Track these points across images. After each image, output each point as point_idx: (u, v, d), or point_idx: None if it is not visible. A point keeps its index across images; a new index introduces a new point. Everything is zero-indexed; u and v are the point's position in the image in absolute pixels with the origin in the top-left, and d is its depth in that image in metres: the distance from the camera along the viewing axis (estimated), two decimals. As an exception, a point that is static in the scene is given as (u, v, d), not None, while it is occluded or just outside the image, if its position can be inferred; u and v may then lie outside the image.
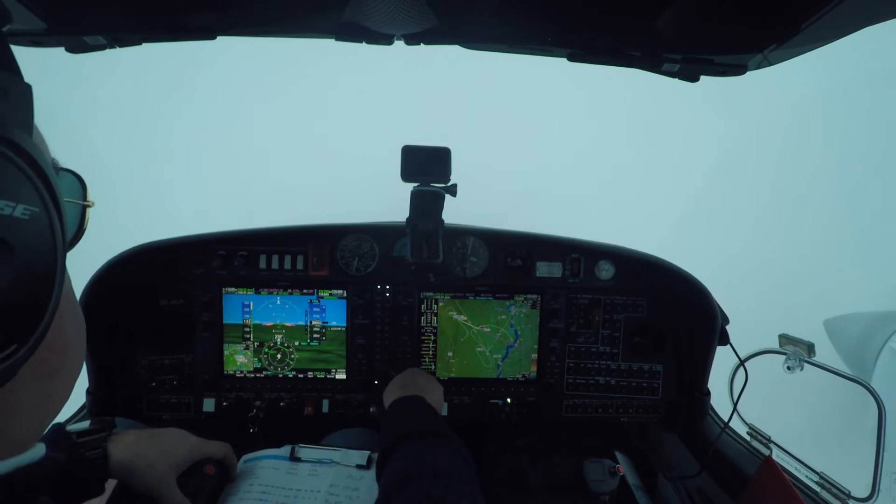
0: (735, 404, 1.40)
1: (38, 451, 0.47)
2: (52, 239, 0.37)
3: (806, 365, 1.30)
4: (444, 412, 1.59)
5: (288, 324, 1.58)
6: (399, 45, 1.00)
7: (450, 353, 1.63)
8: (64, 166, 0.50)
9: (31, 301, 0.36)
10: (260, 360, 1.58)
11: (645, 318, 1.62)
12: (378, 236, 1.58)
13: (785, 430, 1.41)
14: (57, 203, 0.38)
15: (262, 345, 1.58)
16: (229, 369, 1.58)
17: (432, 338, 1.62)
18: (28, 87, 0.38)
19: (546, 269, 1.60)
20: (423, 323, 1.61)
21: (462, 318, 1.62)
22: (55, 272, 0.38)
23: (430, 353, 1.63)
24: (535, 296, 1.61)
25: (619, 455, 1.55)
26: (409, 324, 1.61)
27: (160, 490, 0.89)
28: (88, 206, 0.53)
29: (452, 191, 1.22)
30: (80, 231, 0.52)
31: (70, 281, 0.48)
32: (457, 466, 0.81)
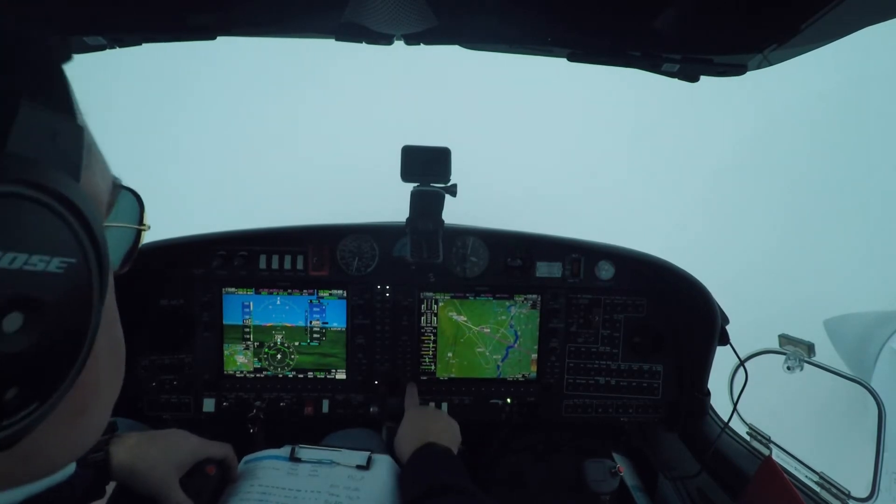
0: (735, 404, 1.40)
1: (69, 469, 0.45)
2: (89, 290, 0.35)
3: (806, 365, 1.30)
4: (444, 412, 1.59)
5: (288, 324, 1.58)
6: (399, 45, 1.00)
7: (450, 354, 1.63)
8: (127, 185, 0.47)
9: (57, 357, 0.34)
10: (260, 360, 1.58)
11: (645, 318, 1.62)
12: (378, 236, 1.58)
13: (785, 430, 1.41)
14: (98, 251, 0.35)
15: (262, 345, 1.58)
16: (229, 369, 1.58)
17: (432, 338, 1.62)
18: (80, 130, 0.36)
19: (546, 269, 1.60)
20: (423, 323, 1.61)
21: (462, 318, 1.62)
22: (89, 326, 0.35)
23: (430, 353, 1.63)
24: (535, 296, 1.61)
25: (617, 456, 1.55)
26: (409, 324, 1.60)
27: (162, 491, 0.89)
28: (143, 230, 0.51)
29: (452, 191, 1.22)
30: (130, 254, 0.49)
31: (114, 309, 0.44)
32: None
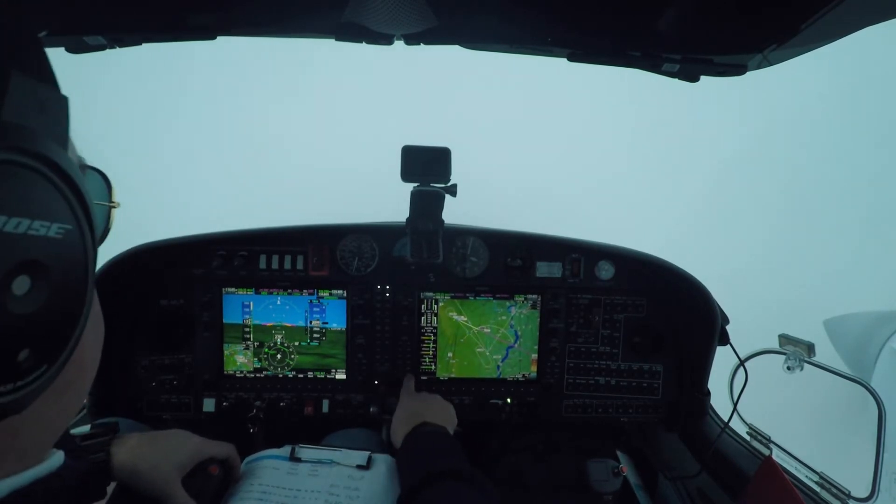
0: (735, 404, 1.40)
1: (57, 460, 0.46)
2: (85, 256, 0.37)
3: (806, 365, 1.30)
4: None
5: (288, 324, 1.58)
6: (399, 45, 1.00)
7: (450, 354, 1.63)
8: (91, 164, 0.49)
9: (62, 321, 0.35)
10: (260, 360, 1.58)
11: (645, 318, 1.62)
12: (378, 236, 1.58)
13: (785, 429, 1.41)
14: (90, 218, 0.37)
15: (262, 345, 1.58)
16: (229, 369, 1.58)
17: (432, 338, 1.62)
18: (65, 100, 0.37)
19: (546, 270, 1.60)
20: (423, 323, 1.61)
21: (462, 318, 1.62)
22: (87, 289, 0.37)
23: (430, 353, 1.63)
24: (535, 296, 1.61)
25: (620, 455, 1.55)
26: (409, 324, 1.61)
27: (165, 491, 0.89)
28: (114, 206, 0.52)
29: (452, 191, 1.22)
30: (105, 232, 0.51)
31: (94, 289, 0.47)
32: None
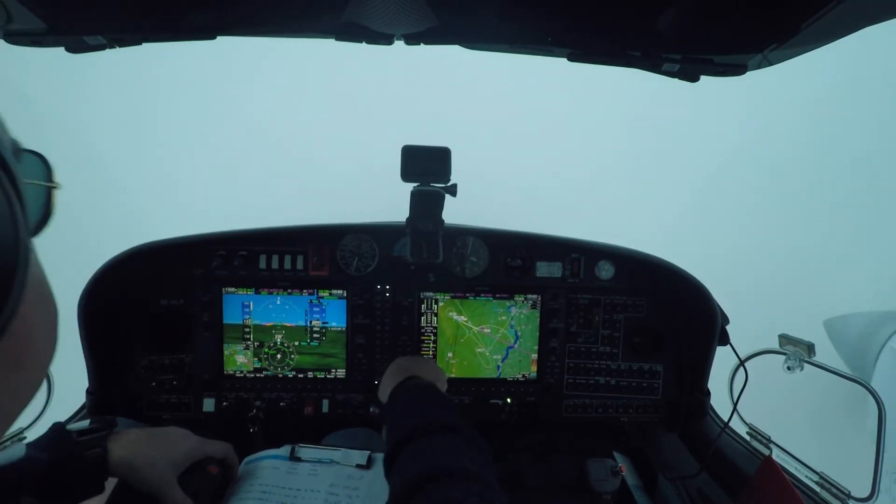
0: (735, 404, 1.40)
1: (17, 451, 0.45)
2: (13, 226, 0.36)
3: (806, 365, 1.30)
4: None
5: (288, 324, 1.58)
6: (399, 45, 1.00)
7: (450, 354, 1.63)
8: (26, 147, 0.47)
9: None
10: (260, 360, 1.59)
11: (645, 318, 1.62)
12: (378, 236, 1.58)
13: (784, 429, 1.41)
14: (17, 188, 0.36)
15: (261, 345, 1.58)
16: (229, 369, 1.58)
17: (432, 338, 1.62)
18: None
19: (546, 269, 1.60)
20: (423, 323, 1.62)
21: (462, 318, 1.62)
22: (17, 261, 0.36)
23: (430, 353, 1.63)
24: (535, 296, 1.61)
25: (618, 455, 1.55)
26: (409, 324, 1.61)
27: (161, 488, 0.89)
28: (54, 187, 0.51)
29: (452, 191, 1.22)
30: (46, 215, 0.50)
31: (40, 266, 0.45)
32: (476, 465, 0.74)
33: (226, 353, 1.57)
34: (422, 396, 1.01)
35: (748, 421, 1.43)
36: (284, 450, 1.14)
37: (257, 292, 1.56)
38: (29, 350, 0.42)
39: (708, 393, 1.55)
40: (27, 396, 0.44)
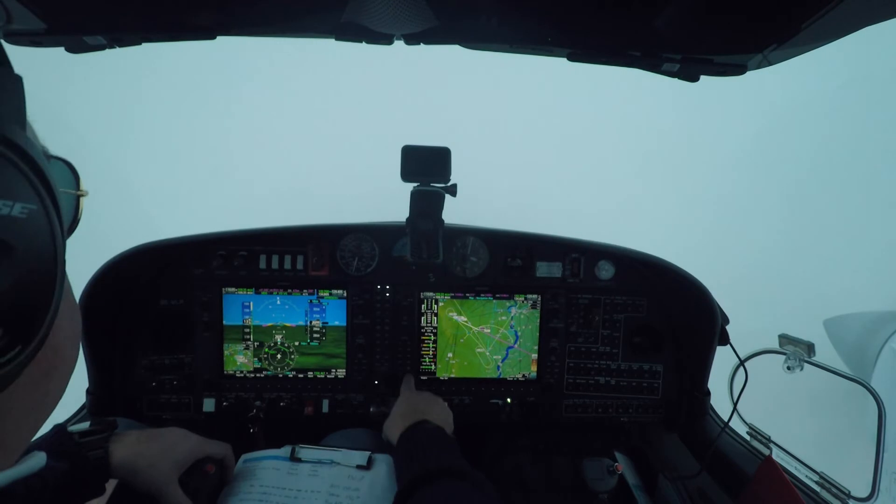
0: (735, 404, 1.40)
1: (39, 461, 0.45)
2: (52, 236, 0.36)
3: (806, 365, 1.30)
4: None
5: (288, 324, 1.58)
6: (399, 45, 1.00)
7: (450, 354, 1.63)
8: (55, 154, 0.48)
9: (33, 301, 0.35)
10: (260, 360, 1.58)
11: (645, 318, 1.62)
12: (378, 236, 1.58)
13: (784, 429, 1.41)
14: (54, 199, 0.37)
15: (262, 345, 1.58)
16: (229, 369, 1.58)
17: (432, 338, 1.62)
18: (19, 79, 0.37)
19: (546, 269, 1.60)
20: (423, 323, 1.61)
21: (462, 318, 1.62)
22: (56, 270, 0.37)
23: (430, 353, 1.63)
24: (535, 296, 1.61)
25: (618, 454, 1.55)
26: (409, 324, 1.60)
27: (162, 489, 0.89)
28: (82, 195, 0.51)
29: (452, 191, 1.22)
30: (74, 222, 0.50)
31: (66, 275, 0.46)
32: None
33: (226, 353, 1.57)
34: (435, 441, 1.05)
35: (748, 421, 1.43)
36: (285, 450, 1.14)
37: (257, 292, 1.56)
38: (57, 359, 0.43)
39: (708, 393, 1.55)
40: (52, 405, 0.44)
